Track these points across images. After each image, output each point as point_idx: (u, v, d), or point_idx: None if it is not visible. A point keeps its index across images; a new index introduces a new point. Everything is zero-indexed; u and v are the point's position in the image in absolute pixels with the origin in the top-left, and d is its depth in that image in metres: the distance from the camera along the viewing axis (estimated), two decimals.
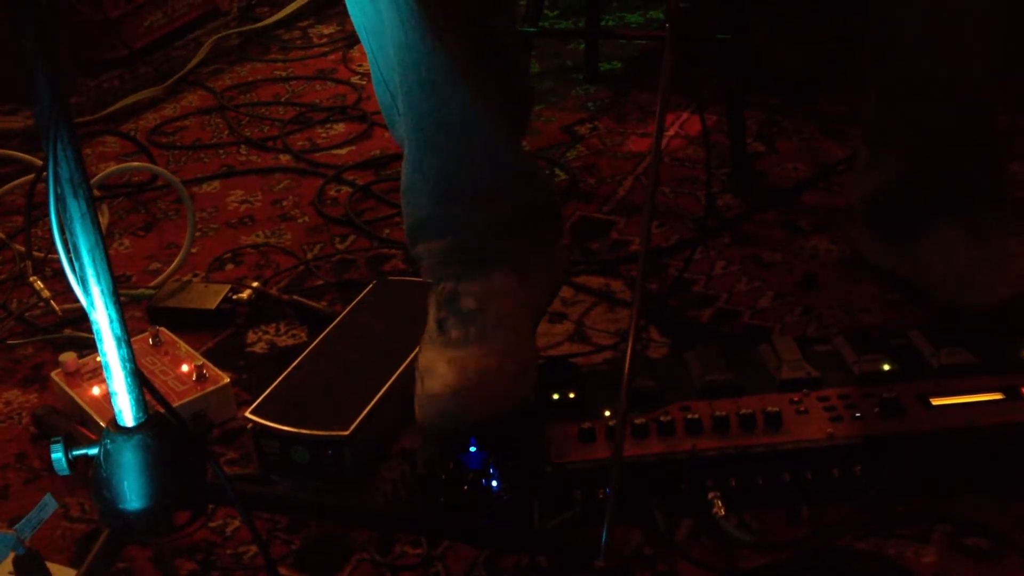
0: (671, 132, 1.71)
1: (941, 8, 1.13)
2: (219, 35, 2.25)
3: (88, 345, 1.24)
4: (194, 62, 2.12)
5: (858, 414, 0.98)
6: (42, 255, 1.41)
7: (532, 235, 1.15)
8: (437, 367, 1.03)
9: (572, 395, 1.03)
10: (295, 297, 1.33)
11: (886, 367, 1.03)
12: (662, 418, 0.98)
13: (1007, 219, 1.21)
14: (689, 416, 0.99)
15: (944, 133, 1.20)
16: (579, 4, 2.22)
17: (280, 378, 1.12)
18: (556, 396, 1.03)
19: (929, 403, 0.99)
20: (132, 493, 0.80)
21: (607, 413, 1.01)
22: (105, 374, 0.80)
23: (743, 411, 0.98)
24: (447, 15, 1.04)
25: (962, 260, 1.17)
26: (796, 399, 1.01)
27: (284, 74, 2.09)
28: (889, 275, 1.28)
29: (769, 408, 0.99)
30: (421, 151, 1.11)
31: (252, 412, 1.07)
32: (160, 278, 1.41)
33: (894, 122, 1.24)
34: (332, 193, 1.63)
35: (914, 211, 1.24)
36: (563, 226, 1.21)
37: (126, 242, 1.53)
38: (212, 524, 1.02)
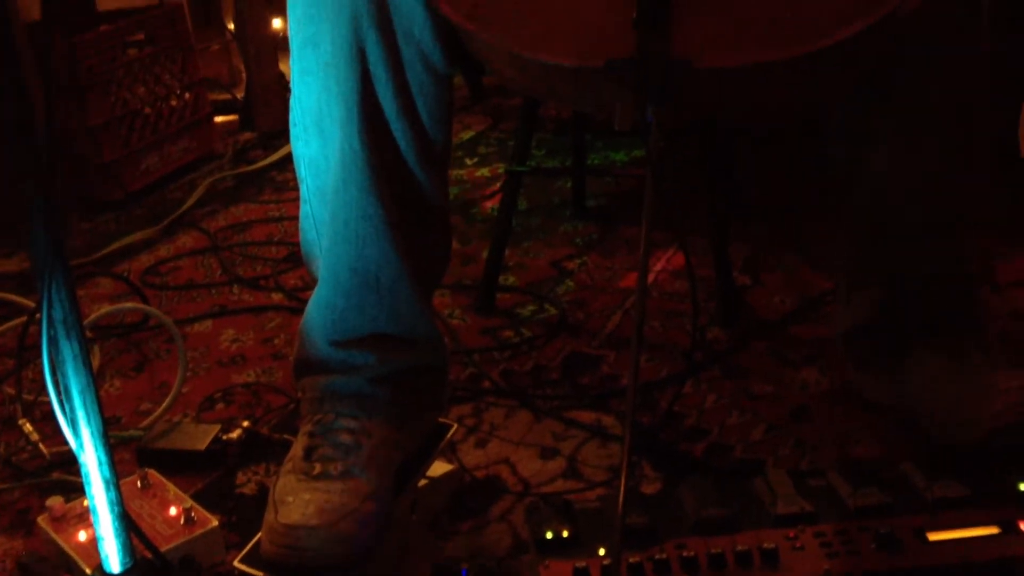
0: (658, 267, 1.73)
1: (901, 145, 1.16)
2: (214, 177, 2.30)
3: (76, 489, 1.22)
4: (189, 204, 2.16)
5: (854, 550, 0.97)
6: (32, 398, 1.41)
7: (416, 392, 1.17)
8: (297, 497, 1.03)
9: (565, 533, 1.01)
10: (286, 436, 1.33)
11: (881, 501, 1.02)
12: (657, 556, 0.97)
13: (988, 349, 1.22)
14: (684, 554, 0.97)
15: (916, 265, 1.22)
16: (565, 144, 2.28)
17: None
18: (549, 534, 1.01)
19: (925, 538, 0.98)
20: None
21: (602, 551, 0.99)
22: (92, 518, 0.79)
23: (739, 548, 0.97)
24: (385, 167, 1.09)
25: (947, 394, 1.17)
26: (792, 535, 0.99)
27: (277, 214, 2.13)
28: (880, 406, 1.29)
29: (765, 545, 0.97)
30: (330, 292, 1.14)
31: (241, 560, 1.05)
32: (150, 419, 1.40)
33: (867, 256, 1.26)
34: None
35: (896, 343, 1.25)
36: (446, 392, 1.24)
37: (117, 383, 1.53)
38: None
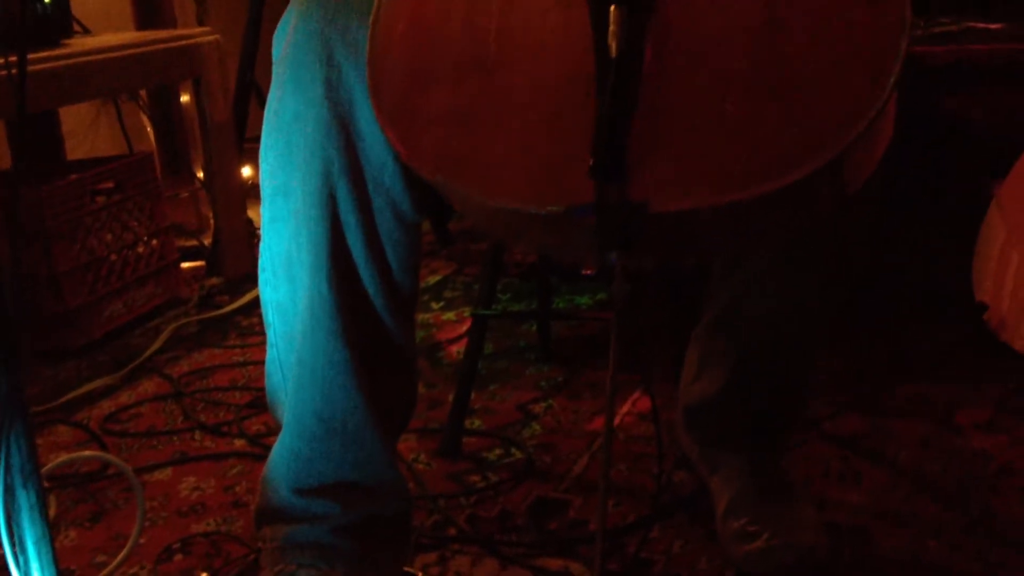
0: (623, 410, 1.73)
1: (770, 276, 1.24)
2: (178, 323, 2.30)
3: None
4: (152, 350, 2.15)
5: None
6: None
7: (380, 541, 1.16)
8: None
9: None
10: None
11: None
12: None
13: (784, 480, 1.35)
14: None
15: (758, 367, 1.31)
16: (531, 288, 2.31)
17: None
18: None
19: None
20: None
21: None
22: None
23: None
24: (353, 313, 1.10)
25: (743, 523, 1.28)
26: None
27: (242, 359, 2.12)
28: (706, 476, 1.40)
29: None
30: (294, 439, 1.13)
31: None
32: (105, 572, 1.36)
33: (719, 346, 1.35)
34: None
35: (723, 430, 1.36)
36: (410, 540, 1.23)
37: (72, 534, 1.49)
38: None
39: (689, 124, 0.86)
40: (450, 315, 2.30)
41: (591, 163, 0.83)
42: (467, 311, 2.26)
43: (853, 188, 0.93)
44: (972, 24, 1.97)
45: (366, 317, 1.10)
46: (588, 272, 2.08)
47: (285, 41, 1.09)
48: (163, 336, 2.21)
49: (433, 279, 2.55)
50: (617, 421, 1.70)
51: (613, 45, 0.84)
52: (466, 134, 0.91)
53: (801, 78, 0.86)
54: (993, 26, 1.96)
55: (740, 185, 0.83)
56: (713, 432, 1.38)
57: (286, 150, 1.09)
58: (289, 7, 1.10)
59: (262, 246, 1.15)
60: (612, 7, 0.84)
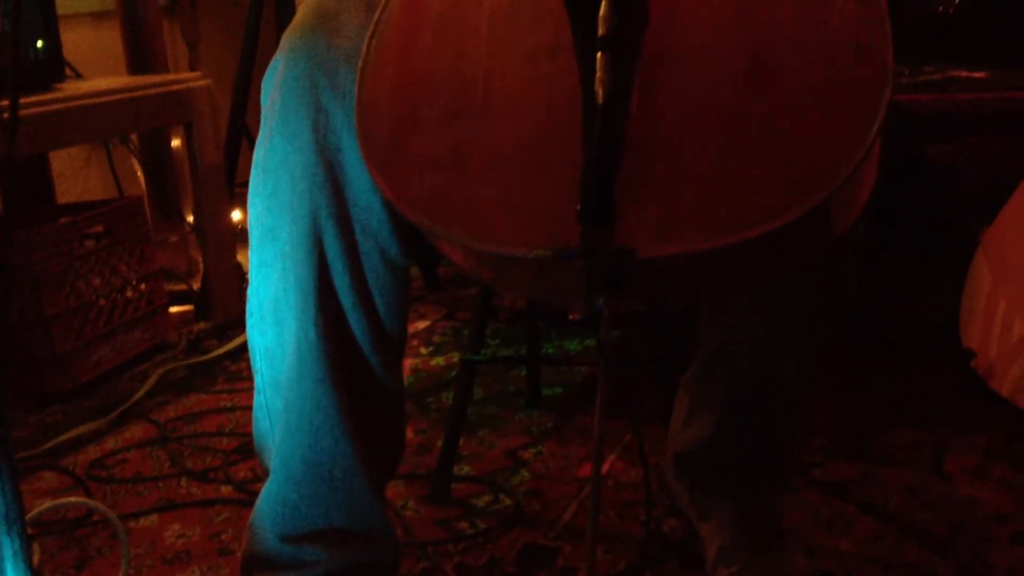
0: (612, 456, 1.73)
1: (755, 313, 1.24)
2: (166, 368, 2.29)
3: None
4: (139, 395, 2.13)
5: None
6: None
7: None
8: None
9: None
10: None
11: None
12: None
13: (780, 528, 1.33)
14: None
15: (747, 410, 1.31)
16: (520, 333, 2.31)
17: None
18: None
19: None
20: None
21: None
22: None
23: None
24: (341, 357, 1.09)
25: (732, 572, 1.28)
26: None
27: (229, 404, 2.11)
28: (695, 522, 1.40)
29: None
30: (281, 484, 1.13)
31: None
32: None
33: (709, 391, 1.34)
34: None
35: (714, 475, 1.36)
36: None
37: None
38: None
39: (676, 169, 0.87)
40: (439, 360, 2.29)
41: (579, 207, 0.83)
42: (456, 356, 2.26)
43: (840, 230, 0.93)
44: (956, 73, 1.99)
45: (354, 362, 1.10)
46: (575, 317, 2.08)
47: (273, 86, 1.09)
48: (151, 381, 2.20)
49: (422, 324, 2.54)
50: (606, 468, 1.69)
51: (600, 91, 0.84)
52: (454, 179, 0.92)
53: (787, 123, 0.87)
54: (977, 75, 1.99)
55: (727, 230, 0.83)
56: (703, 478, 1.38)
57: (274, 194, 1.09)
58: (277, 53, 1.11)
59: (250, 290, 1.15)
60: (599, 53, 0.85)
